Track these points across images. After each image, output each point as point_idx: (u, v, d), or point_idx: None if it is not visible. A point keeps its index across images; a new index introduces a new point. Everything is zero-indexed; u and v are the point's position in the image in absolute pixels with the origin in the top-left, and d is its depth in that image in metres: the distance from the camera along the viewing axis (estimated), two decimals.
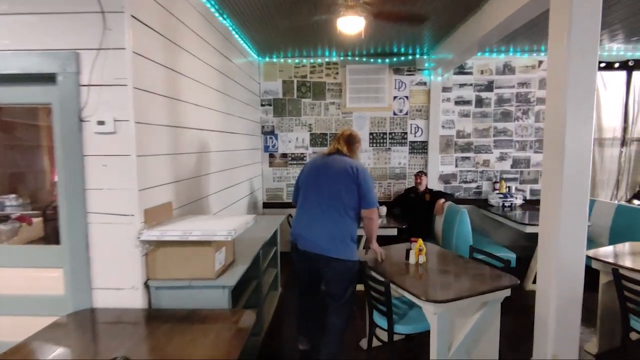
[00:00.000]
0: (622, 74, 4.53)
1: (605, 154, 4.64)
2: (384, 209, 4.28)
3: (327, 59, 4.77)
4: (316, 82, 4.80)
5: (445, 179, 4.86)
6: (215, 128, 3.12)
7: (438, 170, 4.83)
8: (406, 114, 4.79)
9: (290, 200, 4.98)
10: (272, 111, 4.84)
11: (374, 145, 4.84)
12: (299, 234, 2.39)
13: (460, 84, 4.73)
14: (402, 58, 4.71)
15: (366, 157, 4.85)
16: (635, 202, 4.63)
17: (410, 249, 2.55)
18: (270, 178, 4.93)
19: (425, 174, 4.39)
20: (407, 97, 4.77)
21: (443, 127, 4.78)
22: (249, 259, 2.31)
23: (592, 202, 4.31)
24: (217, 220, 2.19)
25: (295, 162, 4.91)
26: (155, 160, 2.04)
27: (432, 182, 4.76)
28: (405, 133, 4.81)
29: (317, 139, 4.86)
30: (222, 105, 3.32)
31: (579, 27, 1.93)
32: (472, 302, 2.05)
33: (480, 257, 2.73)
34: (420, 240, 2.54)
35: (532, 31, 3.94)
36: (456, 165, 4.83)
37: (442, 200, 4.14)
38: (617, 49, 4.46)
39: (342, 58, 4.76)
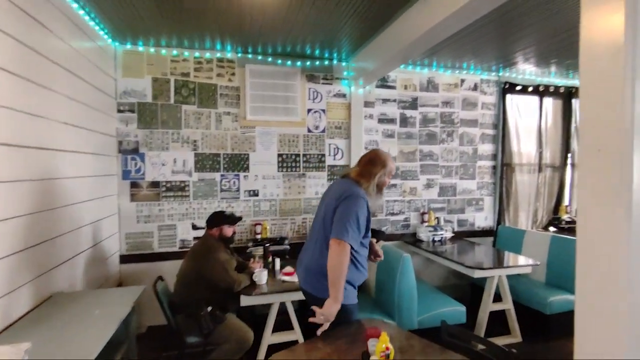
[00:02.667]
0: (535, 98, 4.43)
1: (524, 180, 4.43)
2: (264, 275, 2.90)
3: (219, 54, 3.54)
4: (204, 84, 3.50)
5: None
6: None
7: None
8: (323, 131, 3.84)
9: (165, 250, 3.48)
10: (135, 120, 3.33)
11: (284, 169, 3.73)
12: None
13: (383, 99, 4.02)
14: (317, 62, 3.79)
15: (274, 186, 3.69)
16: (551, 229, 4.51)
17: (370, 355, 1.46)
18: (133, 217, 3.35)
19: None
20: (324, 110, 3.83)
21: (366, 148, 3.96)
22: None
23: (522, 233, 3.96)
24: None
25: (172, 195, 3.44)
26: None
27: None
28: (323, 155, 3.84)
29: (205, 162, 3.51)
30: (18, 99, 1.80)
31: None
32: None
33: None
34: (384, 335, 1.47)
35: (455, 45, 3.48)
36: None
37: (374, 241, 3.21)
38: (530, 73, 4.36)
39: (240, 55, 3.59)
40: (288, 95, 3.68)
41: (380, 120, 4.02)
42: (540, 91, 4.41)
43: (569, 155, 4.60)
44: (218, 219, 2.70)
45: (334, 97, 3.85)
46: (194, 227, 3.49)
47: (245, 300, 2.53)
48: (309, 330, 1.91)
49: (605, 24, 1.25)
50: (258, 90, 3.60)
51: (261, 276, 2.65)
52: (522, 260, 3.32)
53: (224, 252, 2.62)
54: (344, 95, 3.88)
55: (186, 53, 3.45)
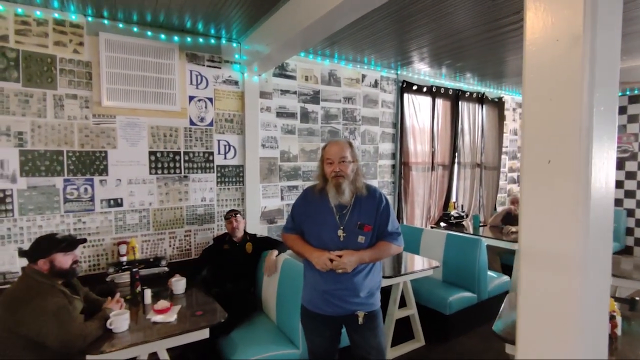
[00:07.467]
0: (429, 99, 4.53)
1: (419, 179, 4.52)
2: (180, 284, 2.51)
3: (57, 14, 2.58)
4: (34, 54, 2.51)
5: (270, 217, 3.53)
6: None
7: (260, 205, 3.45)
8: (211, 124, 3.19)
9: None
10: None
11: (159, 171, 2.97)
12: None
13: (282, 90, 3.56)
14: (201, 40, 3.11)
15: (145, 192, 2.91)
16: (442, 224, 4.72)
17: None
18: None
19: (240, 214, 2.92)
20: (210, 99, 3.18)
21: (264, 146, 3.46)
22: None
23: (420, 232, 3.98)
24: None
25: None
26: None
27: (253, 224, 3.33)
28: (211, 153, 3.19)
29: (39, 162, 2.54)
30: None
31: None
32: None
33: None
34: None
35: (356, 37, 3.26)
36: (282, 198, 3.59)
37: (275, 253, 2.77)
38: (424, 73, 4.43)
39: (91, 19, 2.69)
40: (162, 78, 2.91)
41: (279, 114, 3.55)
42: (433, 92, 4.53)
43: (456, 154, 4.88)
44: (45, 246, 1.87)
45: (223, 83, 3.23)
46: (23, 254, 2.50)
47: None
48: None
49: (558, 9, 0.99)
50: (119, 69, 2.75)
51: (119, 322, 1.94)
52: (423, 263, 3.27)
53: (56, 295, 1.82)
54: (235, 83, 3.29)
55: (1, 7, 2.41)
